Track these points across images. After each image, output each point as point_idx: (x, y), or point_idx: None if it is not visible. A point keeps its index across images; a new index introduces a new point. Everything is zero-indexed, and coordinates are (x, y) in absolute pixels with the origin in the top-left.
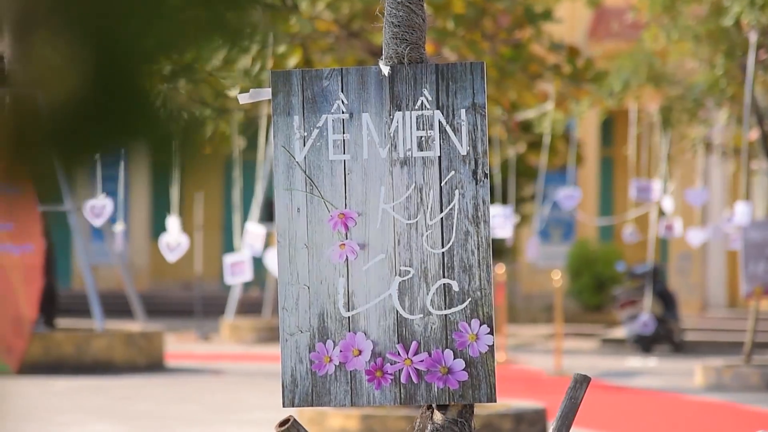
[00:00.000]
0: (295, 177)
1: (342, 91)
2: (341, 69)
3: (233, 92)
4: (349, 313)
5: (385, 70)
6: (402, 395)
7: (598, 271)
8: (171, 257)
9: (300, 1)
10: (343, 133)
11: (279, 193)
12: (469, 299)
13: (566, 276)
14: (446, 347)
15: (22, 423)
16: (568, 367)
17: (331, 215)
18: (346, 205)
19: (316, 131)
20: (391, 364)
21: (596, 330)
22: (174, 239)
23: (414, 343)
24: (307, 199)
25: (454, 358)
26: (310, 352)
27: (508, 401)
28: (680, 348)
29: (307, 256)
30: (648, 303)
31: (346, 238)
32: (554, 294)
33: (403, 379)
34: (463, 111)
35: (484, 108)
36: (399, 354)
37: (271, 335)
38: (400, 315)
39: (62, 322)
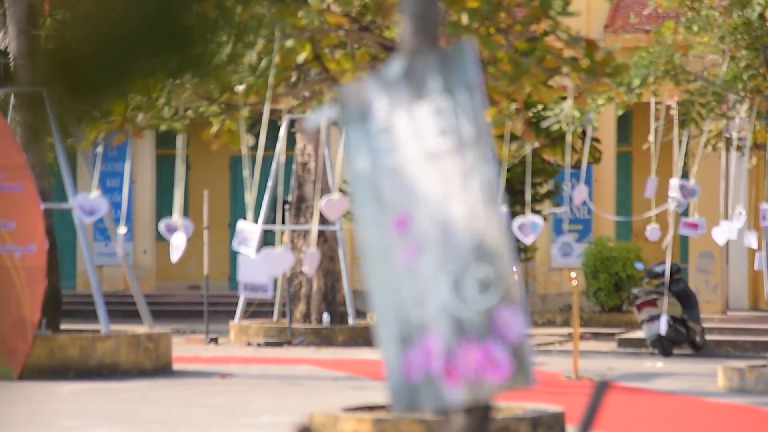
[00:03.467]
0: (363, 186)
1: (377, 100)
2: (371, 74)
3: (240, 87)
4: (424, 318)
5: (398, 67)
6: (471, 393)
7: (616, 271)
8: (174, 256)
9: None
10: (384, 139)
11: (356, 206)
12: (502, 286)
13: (583, 276)
14: (493, 337)
15: (26, 428)
16: (586, 369)
17: (393, 221)
18: (401, 209)
19: (367, 139)
20: (457, 365)
21: (614, 331)
22: (178, 239)
23: (471, 337)
24: (374, 209)
25: (503, 348)
26: (401, 360)
27: (524, 404)
28: (701, 349)
29: (384, 264)
30: (670, 304)
31: (409, 242)
32: (571, 294)
33: (470, 376)
34: (464, 92)
35: (479, 85)
36: (461, 352)
37: (279, 337)
38: (457, 311)
39: (66, 324)
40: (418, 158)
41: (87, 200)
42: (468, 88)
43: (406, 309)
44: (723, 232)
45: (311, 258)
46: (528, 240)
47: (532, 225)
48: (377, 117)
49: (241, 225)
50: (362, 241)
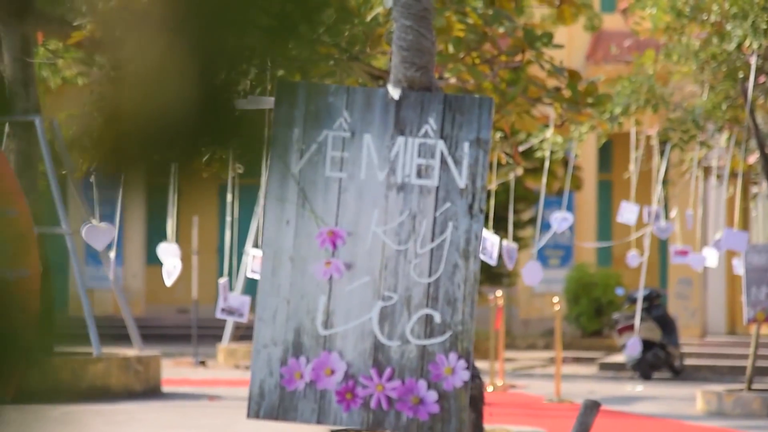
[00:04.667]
0: (289, 189)
1: (346, 109)
2: (348, 87)
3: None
4: (327, 332)
5: (395, 93)
6: (370, 420)
7: (597, 296)
8: (168, 281)
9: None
10: (343, 150)
11: (270, 203)
12: (450, 332)
13: (564, 301)
14: (421, 377)
15: None
16: (568, 393)
17: (321, 231)
18: (336, 223)
19: (315, 146)
20: (362, 388)
21: (595, 355)
22: (170, 264)
23: (389, 369)
24: (297, 213)
25: (428, 389)
26: (281, 366)
27: (507, 426)
28: (680, 373)
29: (291, 269)
30: (650, 329)
31: (333, 256)
32: (553, 319)
33: (373, 404)
34: (466, 144)
35: (488, 144)
36: (372, 379)
37: None
38: (378, 340)
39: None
40: (381, 185)
41: (94, 229)
42: (476, 143)
43: (305, 318)
44: (703, 259)
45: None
46: (509, 265)
47: (511, 251)
48: (337, 126)
49: (254, 252)
50: (267, 238)
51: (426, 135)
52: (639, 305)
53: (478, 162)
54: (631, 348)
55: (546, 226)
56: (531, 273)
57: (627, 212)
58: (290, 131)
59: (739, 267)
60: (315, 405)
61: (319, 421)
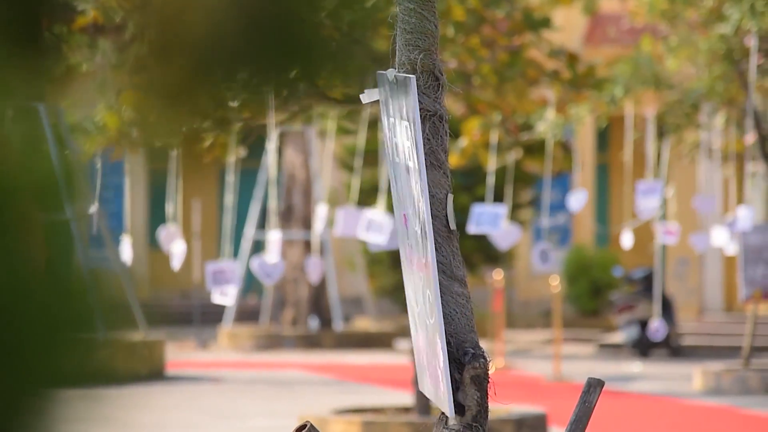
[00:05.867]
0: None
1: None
2: (384, 74)
3: (234, 103)
4: (413, 315)
5: (390, 75)
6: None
7: (595, 277)
8: (175, 264)
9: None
10: (395, 137)
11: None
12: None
13: (563, 281)
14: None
15: None
16: (567, 373)
17: (402, 214)
18: (401, 206)
19: (389, 134)
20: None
21: (593, 335)
22: (177, 247)
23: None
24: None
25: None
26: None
27: (508, 406)
28: (678, 352)
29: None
30: (648, 308)
31: (406, 240)
32: (551, 299)
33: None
34: (420, 119)
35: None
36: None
37: (268, 342)
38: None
39: None
40: (402, 167)
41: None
42: (411, 121)
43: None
44: (707, 240)
45: (315, 266)
46: (504, 245)
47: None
48: (390, 115)
49: (272, 236)
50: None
51: (406, 117)
52: (657, 287)
53: (417, 140)
54: (636, 330)
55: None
56: (506, 236)
57: (704, 203)
58: (384, 120)
59: (730, 249)
60: (423, 381)
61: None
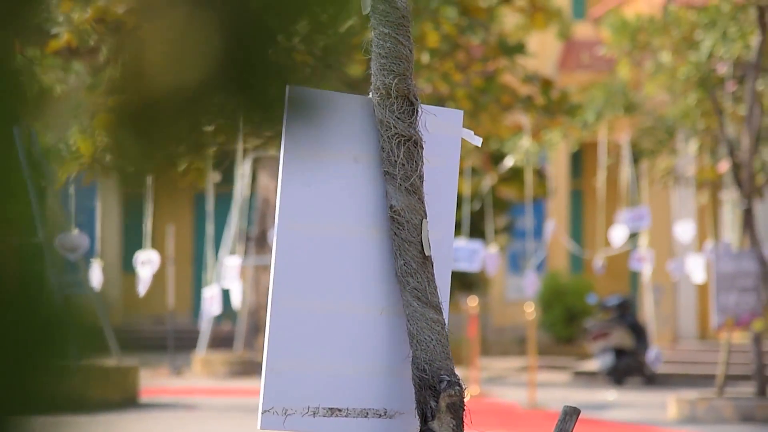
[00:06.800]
0: None
1: None
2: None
3: (209, 127)
4: None
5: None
6: None
7: (570, 304)
8: (141, 289)
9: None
10: None
11: None
12: None
13: (537, 308)
14: None
15: None
16: (542, 400)
17: None
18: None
19: None
20: None
21: (568, 362)
22: (144, 273)
23: None
24: None
25: None
26: None
27: None
28: (652, 380)
29: None
30: (622, 336)
31: None
32: (526, 326)
33: None
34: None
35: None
36: None
37: (243, 369)
38: None
39: None
40: None
41: (68, 238)
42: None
43: None
44: (682, 267)
45: None
46: (474, 267)
47: (491, 258)
48: None
49: (230, 261)
50: None
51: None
52: (649, 308)
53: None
54: (611, 358)
55: (520, 234)
56: (530, 283)
57: (682, 231)
58: None
59: (698, 277)
60: None
61: None
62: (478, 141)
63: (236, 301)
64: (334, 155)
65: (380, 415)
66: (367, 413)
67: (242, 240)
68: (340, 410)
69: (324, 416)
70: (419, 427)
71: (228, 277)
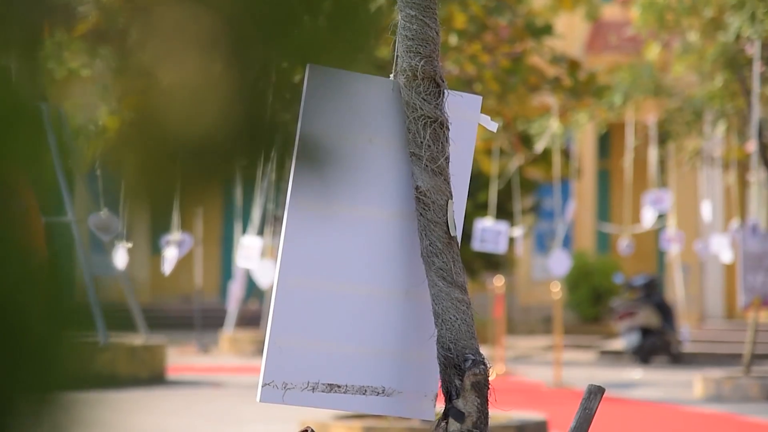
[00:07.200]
0: None
1: None
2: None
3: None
4: None
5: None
6: None
7: (596, 283)
8: (166, 268)
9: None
10: None
11: None
12: None
13: (564, 288)
14: None
15: None
16: (567, 379)
17: None
18: None
19: None
20: None
21: (594, 341)
22: (170, 252)
23: None
24: None
25: None
26: None
27: (509, 413)
28: (678, 359)
29: None
30: (648, 315)
31: None
32: (552, 306)
33: None
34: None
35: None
36: None
37: None
38: None
39: None
40: None
41: (100, 219)
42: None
43: None
44: (714, 246)
45: None
46: (500, 248)
47: (516, 238)
48: None
49: (246, 241)
50: None
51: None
52: (648, 294)
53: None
54: (637, 337)
55: (548, 214)
56: (559, 263)
57: (706, 211)
58: None
59: (725, 257)
60: None
61: None
62: (493, 126)
63: (263, 280)
64: (352, 136)
65: (378, 393)
66: (366, 390)
67: (269, 221)
68: (339, 386)
69: (323, 392)
70: (416, 407)
71: (246, 257)
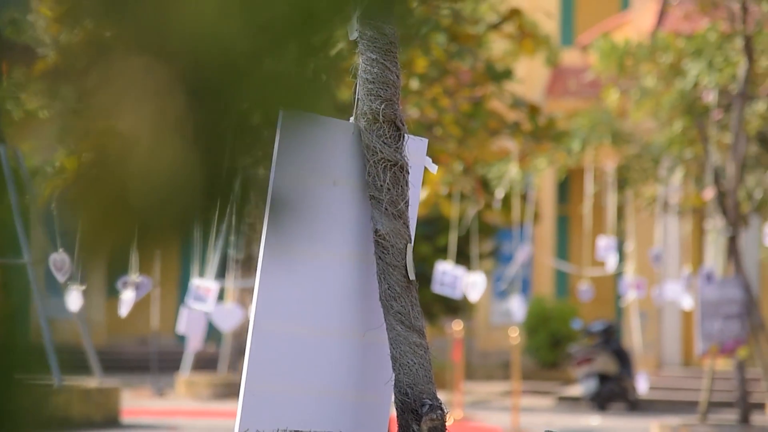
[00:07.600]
0: None
1: None
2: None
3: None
4: None
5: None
6: None
7: (554, 329)
8: (123, 311)
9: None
10: None
11: None
12: None
13: (522, 333)
14: None
15: None
16: (525, 425)
17: None
18: None
19: None
20: None
21: (552, 387)
22: (127, 295)
23: None
24: None
25: None
26: None
27: None
28: (635, 406)
29: None
30: (606, 362)
31: None
32: (510, 351)
33: None
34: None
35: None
36: None
37: (226, 391)
38: None
39: None
40: None
41: (58, 258)
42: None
43: None
44: (668, 293)
45: None
46: (473, 297)
47: (475, 284)
48: None
49: (197, 282)
50: None
51: None
52: (605, 341)
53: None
54: (595, 384)
55: (506, 258)
56: (518, 307)
57: (655, 257)
58: None
59: (686, 304)
60: None
61: None
62: (434, 168)
63: (223, 324)
64: (316, 179)
65: None
66: None
67: (230, 264)
68: None
69: None
70: None
71: (198, 297)
